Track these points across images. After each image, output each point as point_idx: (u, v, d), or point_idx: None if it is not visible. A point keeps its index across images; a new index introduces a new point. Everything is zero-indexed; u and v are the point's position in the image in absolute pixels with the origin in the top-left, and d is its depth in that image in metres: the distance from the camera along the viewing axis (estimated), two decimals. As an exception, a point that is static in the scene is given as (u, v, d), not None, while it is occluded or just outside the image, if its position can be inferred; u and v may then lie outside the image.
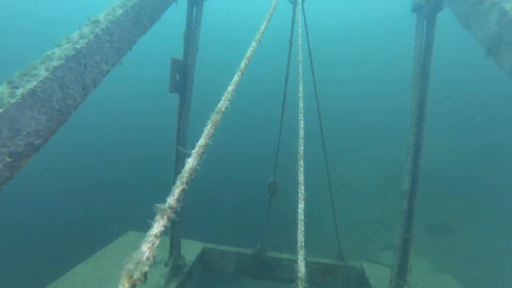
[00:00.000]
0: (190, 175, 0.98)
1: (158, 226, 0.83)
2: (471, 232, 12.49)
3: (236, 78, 1.47)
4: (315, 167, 6.00)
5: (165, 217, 0.85)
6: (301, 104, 2.11)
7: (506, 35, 2.99)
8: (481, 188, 14.83)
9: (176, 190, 0.92)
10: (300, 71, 2.39)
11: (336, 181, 6.01)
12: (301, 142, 1.97)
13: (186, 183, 0.95)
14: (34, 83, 1.84)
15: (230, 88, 1.37)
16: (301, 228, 1.56)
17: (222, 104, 1.27)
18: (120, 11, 2.93)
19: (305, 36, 3.32)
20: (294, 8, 4.91)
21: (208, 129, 1.13)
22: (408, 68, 4.79)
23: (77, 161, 17.43)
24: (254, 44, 1.88)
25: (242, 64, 1.62)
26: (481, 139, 17.89)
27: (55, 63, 2.03)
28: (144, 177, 16.29)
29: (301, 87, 2.19)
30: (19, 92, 1.75)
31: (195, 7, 5.07)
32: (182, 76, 4.96)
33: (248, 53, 1.75)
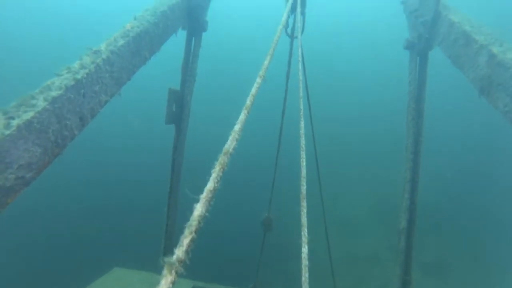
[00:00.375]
0: (199, 222, 0.90)
1: (166, 283, 0.75)
2: (467, 270, 12.29)
3: (242, 116, 1.41)
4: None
5: (173, 272, 0.77)
6: (302, 141, 2.03)
7: (496, 76, 3.09)
8: (474, 221, 14.81)
9: (185, 241, 0.84)
10: (301, 107, 2.35)
11: (326, 211, 5.87)
12: (303, 182, 1.89)
13: (195, 232, 0.87)
14: (31, 114, 1.78)
15: (237, 127, 1.32)
16: (305, 274, 1.45)
17: (230, 144, 1.21)
18: (121, 42, 2.94)
19: (304, 71, 3.36)
20: (292, 42, 5.00)
21: (216, 172, 1.06)
22: (399, 95, 4.86)
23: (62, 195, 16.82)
24: (258, 80, 1.84)
25: (248, 102, 1.57)
26: (472, 170, 18.09)
27: (54, 93, 1.98)
28: (132, 211, 15.88)
29: (302, 124, 2.14)
30: (14, 123, 1.68)
31: (193, 38, 5.15)
32: (178, 106, 4.95)
33: (253, 90, 1.70)
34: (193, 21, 4.92)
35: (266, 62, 2.22)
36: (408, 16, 5.06)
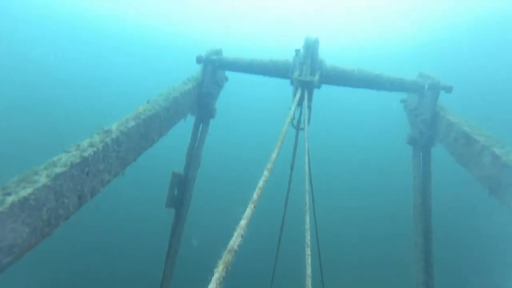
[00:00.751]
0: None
1: None
2: None
3: (248, 211, 1.32)
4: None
5: None
6: (307, 237, 1.91)
7: (504, 177, 3.08)
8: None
9: None
10: (307, 201, 2.25)
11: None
12: (308, 281, 1.72)
13: None
14: (29, 190, 1.70)
15: (243, 222, 1.21)
16: None
17: (234, 241, 1.09)
18: (132, 123, 3.01)
19: (309, 163, 3.36)
20: (297, 134, 5.12)
21: (219, 273, 0.92)
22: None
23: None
24: (266, 173, 1.80)
25: (255, 196, 1.48)
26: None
27: (58, 169, 1.94)
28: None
29: (307, 219, 2.02)
30: (9, 200, 1.60)
31: (201, 123, 5.33)
32: (180, 191, 4.88)
33: (260, 183, 1.64)
34: (203, 108, 5.15)
35: (274, 155, 2.19)
36: (409, 114, 5.29)
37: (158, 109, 3.58)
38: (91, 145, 2.29)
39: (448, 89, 4.48)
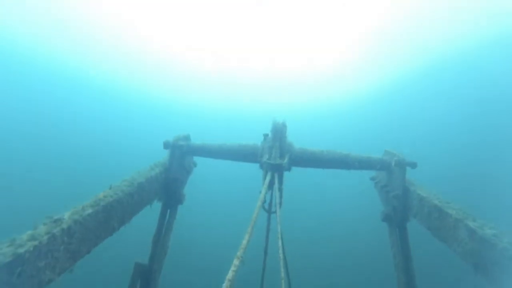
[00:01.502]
0: None
1: None
2: None
3: None
4: None
5: None
6: None
7: (487, 254, 2.85)
8: None
9: None
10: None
11: None
12: None
13: None
14: None
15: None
16: None
17: None
18: (89, 211, 2.74)
19: (283, 248, 3.15)
20: (269, 217, 4.92)
21: None
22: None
23: None
24: (236, 262, 1.63)
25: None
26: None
27: None
28: None
29: None
30: None
31: (169, 210, 5.03)
32: (144, 284, 4.35)
33: (230, 274, 1.47)
34: (170, 194, 4.93)
35: (244, 242, 2.03)
36: (380, 191, 5.31)
37: (120, 195, 3.34)
38: (32, 238, 1.97)
39: (413, 165, 4.61)
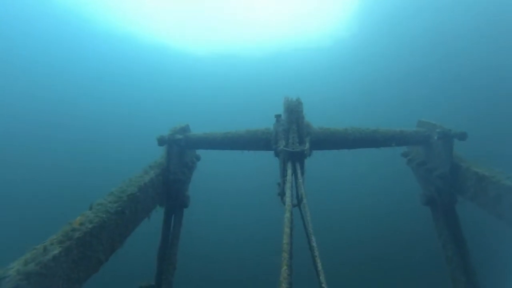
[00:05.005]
0: None
1: None
2: None
3: None
4: None
5: None
6: None
7: None
8: None
9: None
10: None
11: None
12: None
13: None
14: None
15: None
16: None
17: None
18: (55, 251, 1.98)
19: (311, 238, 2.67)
20: (290, 212, 4.17)
21: None
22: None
23: None
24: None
25: None
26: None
27: None
28: None
29: None
30: None
31: (173, 215, 4.29)
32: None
33: None
34: (172, 198, 4.19)
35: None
36: (416, 169, 4.51)
37: (104, 217, 2.58)
38: None
39: (462, 136, 3.77)
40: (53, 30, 24.27)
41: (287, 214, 2.49)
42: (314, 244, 2.38)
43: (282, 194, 3.89)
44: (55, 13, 23.80)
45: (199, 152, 5.04)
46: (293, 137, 3.62)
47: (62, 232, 2.17)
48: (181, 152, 4.30)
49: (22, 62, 23.38)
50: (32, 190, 18.77)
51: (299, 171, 3.31)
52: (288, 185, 3.02)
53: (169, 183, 4.05)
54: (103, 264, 2.52)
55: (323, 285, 1.92)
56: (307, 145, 3.58)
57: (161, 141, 4.01)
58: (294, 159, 3.41)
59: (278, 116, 3.99)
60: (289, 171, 3.18)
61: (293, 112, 3.75)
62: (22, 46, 23.55)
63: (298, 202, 3.49)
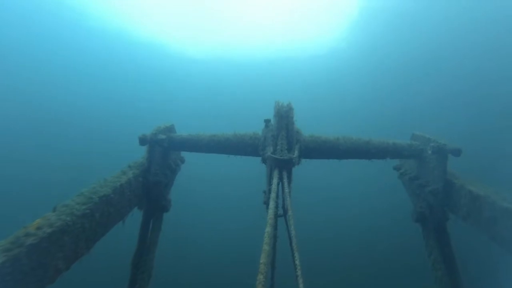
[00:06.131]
0: None
1: None
2: None
3: None
4: None
5: None
6: None
7: None
8: None
9: None
10: None
11: None
12: None
13: None
14: None
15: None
16: None
17: None
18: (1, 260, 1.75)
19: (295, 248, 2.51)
20: (275, 221, 3.96)
21: None
22: None
23: None
24: None
25: None
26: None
27: None
28: None
29: None
30: None
31: (152, 220, 4.05)
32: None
33: None
34: (152, 201, 3.96)
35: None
36: (408, 184, 4.36)
37: (68, 220, 2.35)
38: None
39: (456, 153, 3.62)
40: (54, 30, 24.04)
41: (268, 229, 2.23)
42: (297, 262, 2.18)
43: (268, 203, 3.70)
44: (55, 13, 23.55)
45: (185, 154, 4.82)
46: (282, 144, 3.43)
47: (11, 238, 1.94)
48: (164, 152, 4.09)
49: (13, 57, 22.99)
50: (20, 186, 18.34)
51: (286, 180, 3.12)
52: (273, 195, 2.81)
53: (149, 185, 3.83)
54: (62, 273, 2.29)
55: None
56: (296, 153, 3.40)
57: (142, 141, 3.79)
58: (281, 167, 3.21)
59: (267, 121, 3.81)
60: (275, 180, 2.98)
61: (283, 117, 3.56)
62: (14, 41, 23.18)
63: (284, 212, 3.31)
